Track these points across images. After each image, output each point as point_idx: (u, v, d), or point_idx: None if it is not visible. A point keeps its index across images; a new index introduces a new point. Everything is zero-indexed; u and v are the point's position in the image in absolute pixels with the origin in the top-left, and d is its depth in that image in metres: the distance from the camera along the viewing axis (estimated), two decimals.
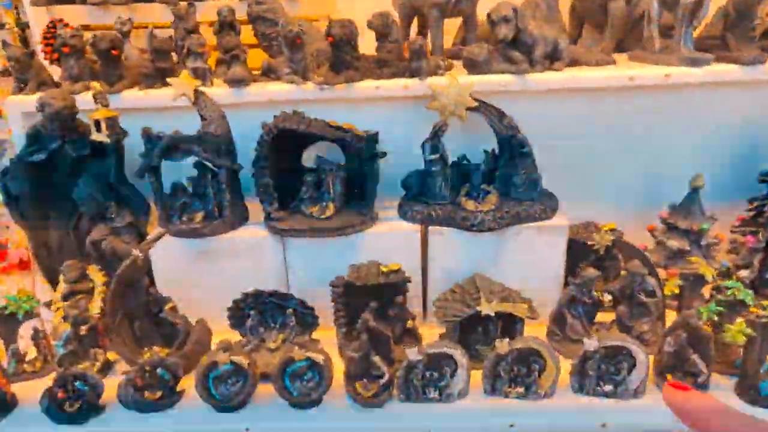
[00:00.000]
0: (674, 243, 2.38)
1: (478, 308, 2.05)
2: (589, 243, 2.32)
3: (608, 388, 1.95)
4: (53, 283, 2.53)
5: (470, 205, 2.25)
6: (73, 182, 2.37)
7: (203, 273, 2.34)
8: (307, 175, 2.34)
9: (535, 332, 2.19)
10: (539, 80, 2.39)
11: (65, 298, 2.37)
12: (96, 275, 2.40)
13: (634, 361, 1.93)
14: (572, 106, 2.46)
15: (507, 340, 1.93)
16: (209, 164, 2.26)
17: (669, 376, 1.94)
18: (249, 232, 2.34)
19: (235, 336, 2.27)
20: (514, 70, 2.38)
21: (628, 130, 2.53)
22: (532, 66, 2.38)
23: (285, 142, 2.29)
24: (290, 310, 2.23)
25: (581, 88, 2.40)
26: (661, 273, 2.31)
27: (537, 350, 1.94)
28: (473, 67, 2.43)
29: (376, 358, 1.97)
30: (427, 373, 1.95)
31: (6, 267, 4.24)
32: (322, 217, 2.29)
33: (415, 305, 2.37)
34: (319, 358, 1.92)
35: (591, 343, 1.91)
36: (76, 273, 2.39)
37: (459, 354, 1.94)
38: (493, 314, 2.05)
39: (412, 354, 1.90)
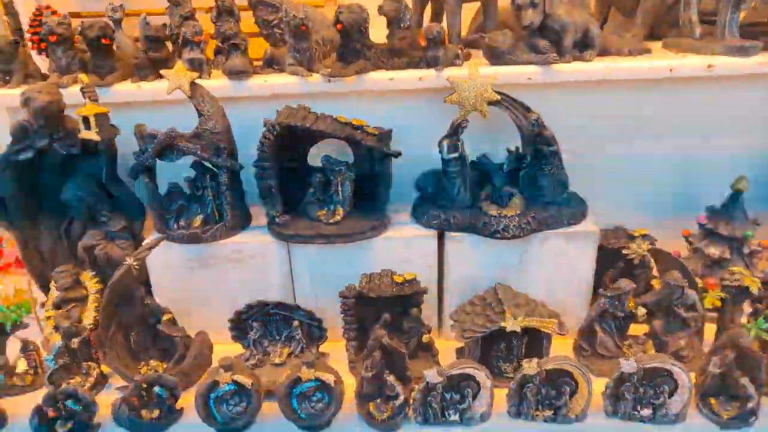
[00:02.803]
0: (713, 250, 2.19)
1: (503, 324, 1.88)
2: (624, 252, 2.13)
3: (646, 412, 1.78)
4: (46, 289, 2.37)
5: (492, 209, 2.07)
6: (63, 183, 2.20)
7: (203, 281, 2.18)
8: (313, 176, 2.16)
9: (560, 346, 2.03)
10: (569, 71, 2.19)
11: (57, 306, 2.22)
12: (89, 282, 2.24)
13: (675, 384, 1.76)
14: (604, 100, 2.26)
15: (535, 360, 1.76)
16: (208, 164, 2.08)
17: (713, 401, 1.77)
18: (251, 237, 2.17)
19: (237, 349, 2.12)
20: (540, 60, 2.18)
21: (664, 125, 2.32)
22: (560, 55, 2.18)
23: (289, 139, 2.11)
24: (296, 323, 2.07)
25: (615, 81, 2.20)
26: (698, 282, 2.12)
27: (569, 371, 1.77)
28: (496, 56, 2.23)
29: (391, 378, 1.81)
30: (447, 395, 1.80)
31: (2, 266, 4.10)
32: (331, 221, 2.12)
33: (430, 316, 2.20)
34: (329, 378, 1.75)
35: (629, 365, 1.73)
36: (69, 280, 2.23)
37: (482, 375, 1.78)
38: (519, 330, 1.88)
39: (431, 376, 1.73)
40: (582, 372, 1.77)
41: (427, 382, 1.76)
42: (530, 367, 1.75)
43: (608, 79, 2.21)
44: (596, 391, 1.81)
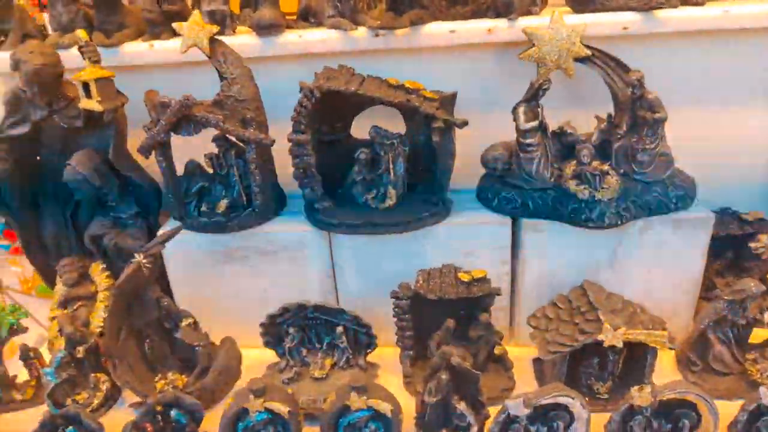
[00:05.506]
0: None
1: (600, 336, 1.50)
2: (752, 246, 1.73)
3: None
4: (51, 283, 2.08)
5: (583, 191, 1.67)
6: (65, 161, 1.87)
7: (229, 278, 1.88)
8: (359, 152, 1.79)
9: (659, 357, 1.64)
10: (676, 19, 1.76)
11: (62, 305, 1.92)
12: (99, 276, 1.94)
13: None
14: (719, 55, 1.83)
15: (648, 389, 1.38)
16: (233, 138, 1.72)
17: None
18: (286, 225, 1.85)
19: (270, 355, 1.81)
20: (640, 5, 1.76)
21: None
22: None
23: (330, 107, 1.75)
24: (341, 328, 1.74)
25: (734, 30, 1.75)
26: None
27: (690, 401, 1.39)
28: (582, 1, 1.81)
29: (461, 405, 1.46)
30: (533, 428, 1.43)
31: (19, 247, 3.87)
32: (381, 207, 1.78)
33: (500, 317, 1.84)
34: (386, 408, 1.41)
35: None
36: (75, 274, 1.94)
37: (578, 405, 1.41)
38: (621, 345, 1.50)
39: (515, 407, 1.37)
40: (709, 404, 1.39)
41: (508, 413, 1.40)
42: (643, 397, 1.37)
43: (726, 28, 1.76)
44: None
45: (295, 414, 1.46)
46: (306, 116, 1.66)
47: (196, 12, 1.64)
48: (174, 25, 1.62)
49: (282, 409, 1.43)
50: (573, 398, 1.40)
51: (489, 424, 1.46)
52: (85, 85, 1.67)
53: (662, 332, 1.52)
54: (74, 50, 1.91)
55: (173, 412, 1.53)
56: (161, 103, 1.64)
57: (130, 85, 1.87)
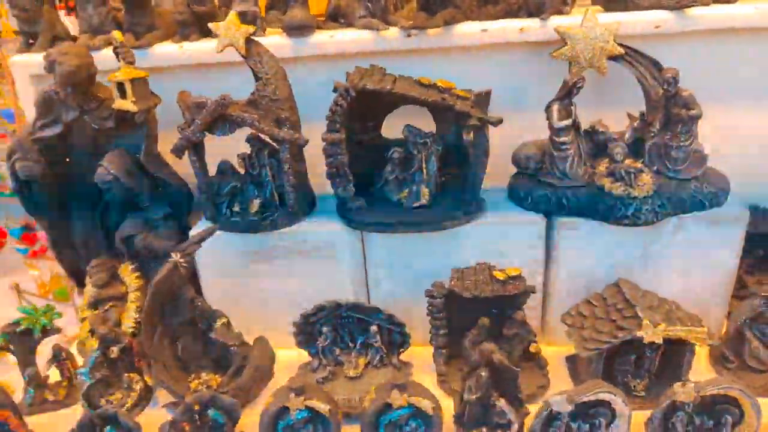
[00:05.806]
0: None
1: (639, 333, 1.50)
2: None
3: None
4: (80, 284, 2.08)
5: (618, 188, 1.67)
6: (96, 162, 1.87)
7: (261, 278, 1.87)
8: (392, 151, 1.79)
9: None
10: (708, 17, 1.76)
11: (92, 305, 1.92)
12: (129, 277, 1.95)
13: None
14: (751, 53, 1.82)
15: (692, 384, 1.38)
16: (266, 138, 1.73)
17: None
18: (319, 225, 1.85)
19: (301, 354, 1.80)
20: (672, 3, 1.75)
21: None
22: None
23: (362, 106, 1.75)
24: (375, 327, 1.74)
25: (766, 27, 1.75)
26: None
27: (732, 397, 1.39)
28: (614, 0, 1.80)
29: (501, 402, 1.45)
30: (574, 425, 1.43)
31: (36, 251, 3.89)
32: (415, 205, 1.77)
33: (532, 316, 1.83)
34: (427, 405, 1.41)
35: None
36: (105, 275, 1.94)
37: (620, 402, 1.41)
38: (661, 341, 1.49)
39: (559, 403, 1.37)
40: (751, 399, 1.38)
41: (550, 410, 1.40)
42: (686, 393, 1.37)
43: (758, 25, 1.76)
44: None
45: (335, 412, 1.46)
46: (341, 115, 1.66)
47: (232, 12, 1.64)
48: (210, 25, 1.63)
49: (323, 407, 1.43)
50: (615, 395, 1.40)
51: (529, 421, 1.46)
52: (120, 86, 1.68)
53: (702, 329, 1.52)
54: (104, 52, 1.93)
55: (210, 412, 1.53)
56: (196, 104, 1.64)
57: (160, 86, 1.88)
